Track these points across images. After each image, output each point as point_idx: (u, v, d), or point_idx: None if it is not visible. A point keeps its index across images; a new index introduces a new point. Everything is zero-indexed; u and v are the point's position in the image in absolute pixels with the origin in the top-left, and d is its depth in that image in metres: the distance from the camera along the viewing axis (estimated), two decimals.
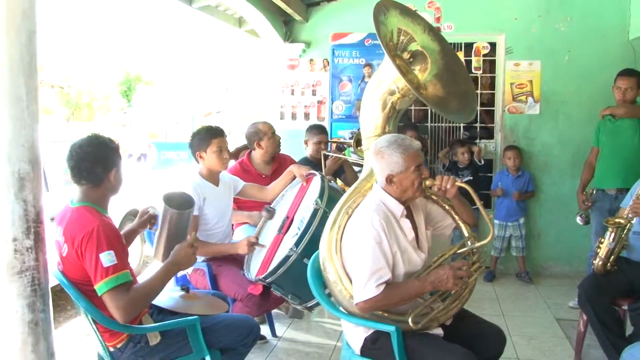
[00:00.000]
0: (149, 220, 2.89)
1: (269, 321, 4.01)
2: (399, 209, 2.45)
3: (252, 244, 3.36)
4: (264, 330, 3.92)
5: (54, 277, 2.47)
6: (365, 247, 2.33)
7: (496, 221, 5.48)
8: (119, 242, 2.37)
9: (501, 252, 5.52)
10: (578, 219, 4.64)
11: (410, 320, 2.34)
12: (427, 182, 2.45)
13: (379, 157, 2.44)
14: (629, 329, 3.36)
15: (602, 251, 3.32)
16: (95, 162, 2.42)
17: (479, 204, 2.46)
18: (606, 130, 4.47)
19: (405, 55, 2.79)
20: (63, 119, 24.99)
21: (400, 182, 2.42)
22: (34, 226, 2.34)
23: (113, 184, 2.49)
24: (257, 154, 4.26)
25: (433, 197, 2.69)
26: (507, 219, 5.45)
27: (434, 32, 2.91)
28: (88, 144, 2.44)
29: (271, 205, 3.57)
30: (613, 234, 3.28)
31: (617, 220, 3.32)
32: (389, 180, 2.43)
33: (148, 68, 29.52)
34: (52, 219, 2.54)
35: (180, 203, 2.80)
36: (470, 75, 5.58)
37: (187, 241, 2.55)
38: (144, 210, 2.94)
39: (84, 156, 2.41)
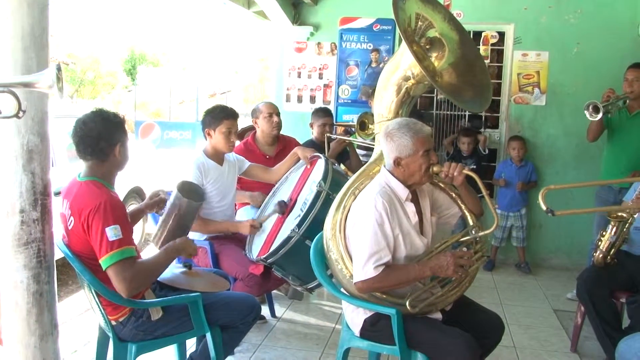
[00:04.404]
0: (158, 203, 2.88)
1: (269, 302, 4.04)
2: (404, 192, 2.46)
3: (255, 229, 3.41)
4: (264, 310, 3.95)
5: (58, 250, 2.49)
6: (367, 228, 2.35)
7: (498, 211, 5.48)
8: (125, 218, 2.39)
9: (502, 242, 5.55)
10: (585, 112, 4.16)
11: (407, 303, 2.37)
12: (435, 168, 2.45)
13: (389, 139, 2.45)
14: (626, 323, 3.39)
15: (603, 244, 3.33)
16: (100, 137, 2.42)
17: (484, 192, 2.47)
18: (619, 122, 4.43)
19: (423, 42, 2.79)
20: (67, 95, 24.94)
21: (408, 165, 2.44)
22: (41, 198, 2.36)
23: (118, 159, 2.50)
24: (259, 134, 4.27)
25: (440, 184, 2.70)
26: (509, 209, 5.47)
27: (454, 22, 2.91)
28: (92, 119, 2.44)
29: (283, 200, 3.44)
30: (615, 228, 3.30)
31: (619, 214, 3.34)
32: (397, 162, 2.44)
33: (153, 46, 29.41)
34: (56, 194, 2.55)
35: (192, 193, 2.82)
36: None
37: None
38: (154, 193, 2.94)
39: (88, 132, 2.42)
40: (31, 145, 2.31)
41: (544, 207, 2.38)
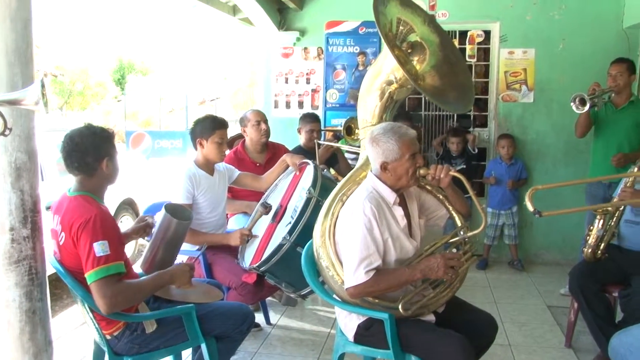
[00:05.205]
0: (144, 228, 2.85)
1: (263, 309, 4.04)
2: (391, 196, 2.48)
3: (245, 237, 3.39)
4: (258, 318, 3.96)
5: (51, 266, 2.49)
6: (356, 234, 2.36)
7: (489, 209, 5.51)
8: (114, 233, 2.39)
9: (494, 240, 5.57)
10: (572, 105, 4.17)
11: (400, 306, 2.37)
12: (422, 171, 2.47)
13: (375, 144, 2.47)
14: (619, 316, 3.41)
15: (592, 238, 3.37)
16: (86, 152, 2.41)
17: (471, 193, 2.48)
18: (606, 118, 4.47)
19: (404, 46, 2.81)
20: (56, 107, 24.85)
21: (395, 169, 2.45)
22: (31, 216, 2.37)
23: (106, 173, 2.49)
24: (248, 142, 4.28)
25: (427, 187, 2.72)
26: (500, 207, 5.49)
27: (434, 24, 2.93)
28: (78, 134, 2.44)
29: (267, 201, 3.51)
30: (602, 221, 3.33)
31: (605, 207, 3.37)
32: (384, 167, 2.46)
33: (142, 55, 29.37)
34: (47, 208, 2.56)
35: (179, 215, 2.82)
36: None
37: (189, 264, 2.65)
38: (141, 218, 2.93)
39: (74, 147, 2.41)
40: (19, 163, 2.31)
41: (531, 209, 2.40)
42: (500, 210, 5.49)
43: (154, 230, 2.78)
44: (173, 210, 2.83)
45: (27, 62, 2.34)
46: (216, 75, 28.45)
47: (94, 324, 2.49)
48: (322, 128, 5.00)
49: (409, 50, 2.81)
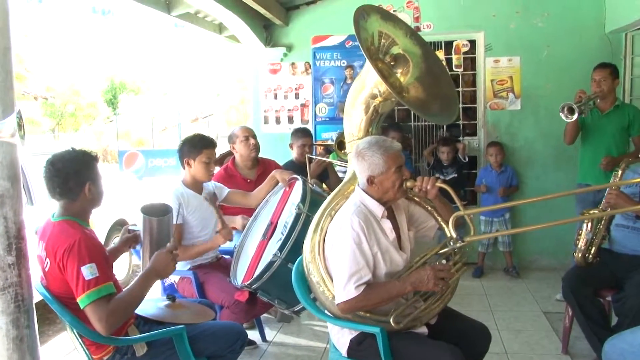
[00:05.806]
0: (133, 239, 2.84)
1: (259, 326, 4.02)
2: (379, 210, 2.47)
3: (224, 232, 3.37)
4: (254, 335, 3.94)
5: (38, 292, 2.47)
6: (345, 249, 2.36)
7: (482, 217, 5.51)
8: (101, 255, 2.37)
9: (488, 248, 5.56)
10: (561, 115, 4.21)
11: (392, 319, 2.36)
12: (408, 184, 2.47)
13: (360, 158, 2.47)
14: (615, 321, 3.40)
15: (581, 242, 3.37)
16: (67, 177, 2.40)
17: (459, 203, 2.47)
18: (593, 123, 4.49)
19: (388, 59, 2.82)
20: (48, 130, 24.81)
21: (381, 183, 2.45)
22: (15, 242, 2.34)
23: (89, 197, 2.47)
24: (238, 159, 4.28)
25: (415, 198, 2.71)
26: (492, 214, 5.49)
27: (416, 36, 2.94)
28: (59, 159, 2.43)
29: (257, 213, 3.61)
30: (589, 225, 3.34)
31: (592, 211, 3.38)
32: (370, 181, 2.46)
33: (133, 75, 29.36)
34: (36, 232, 2.54)
35: (158, 212, 2.79)
36: (451, 73, 5.65)
37: (167, 248, 2.57)
38: (125, 229, 2.92)
39: (55, 172, 2.40)
40: (1, 190, 2.29)
41: (454, 235, 2.42)
42: (493, 217, 5.49)
43: (141, 236, 2.76)
44: (150, 210, 2.79)
45: (7, 90, 2.31)
46: (209, 92, 28.47)
47: (83, 349, 2.47)
48: (313, 142, 5.01)
49: (392, 63, 2.82)
